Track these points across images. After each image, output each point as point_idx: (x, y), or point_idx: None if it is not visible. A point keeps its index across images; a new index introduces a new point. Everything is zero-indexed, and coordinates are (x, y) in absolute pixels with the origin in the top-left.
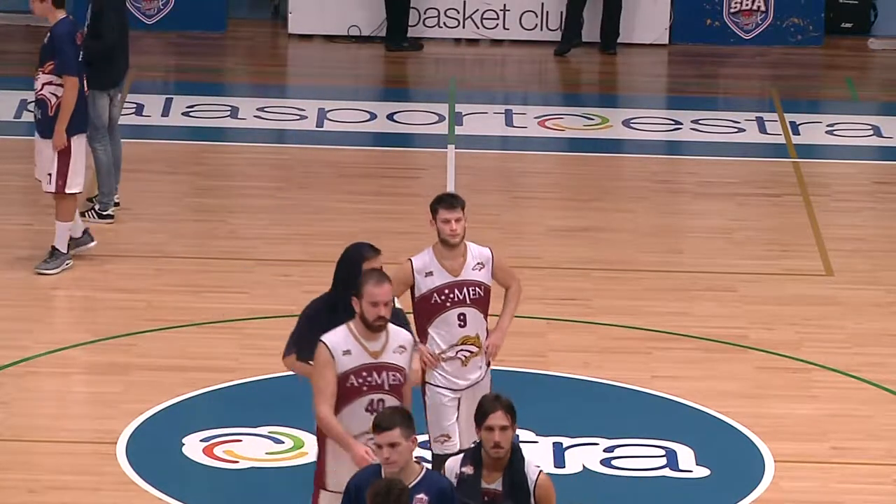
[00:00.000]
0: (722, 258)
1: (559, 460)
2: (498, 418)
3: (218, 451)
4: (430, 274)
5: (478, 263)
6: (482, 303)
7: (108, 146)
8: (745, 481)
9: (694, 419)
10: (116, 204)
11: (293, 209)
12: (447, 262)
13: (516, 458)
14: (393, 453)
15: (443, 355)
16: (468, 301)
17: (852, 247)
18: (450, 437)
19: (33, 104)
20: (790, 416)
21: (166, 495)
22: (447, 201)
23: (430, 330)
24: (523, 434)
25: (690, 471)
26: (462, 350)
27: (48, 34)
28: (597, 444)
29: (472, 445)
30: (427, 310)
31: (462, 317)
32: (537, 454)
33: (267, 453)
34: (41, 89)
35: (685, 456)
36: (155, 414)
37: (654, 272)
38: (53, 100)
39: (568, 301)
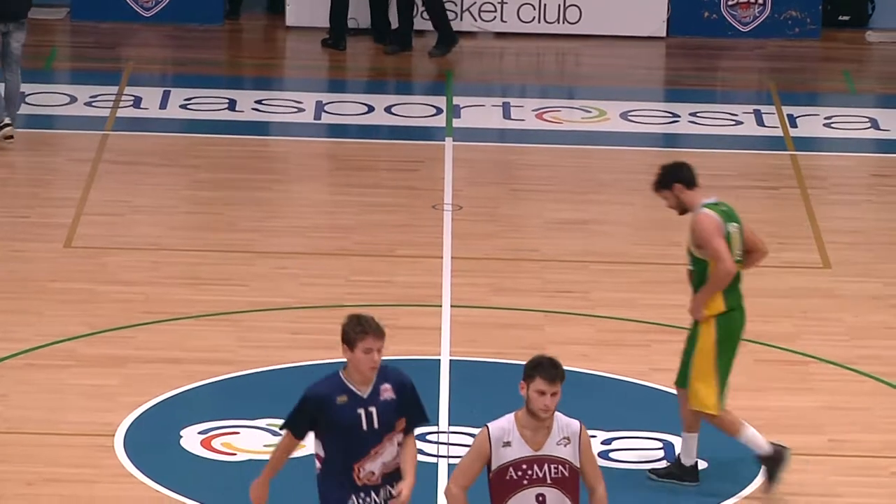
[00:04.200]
0: None
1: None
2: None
3: (216, 443)
4: (507, 444)
5: (563, 438)
6: (566, 484)
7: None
8: (742, 474)
9: None
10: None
11: (291, 202)
12: (529, 432)
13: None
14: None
15: None
16: (549, 480)
17: (850, 239)
18: None
19: None
20: (787, 409)
21: (164, 488)
22: (548, 372)
23: None
24: None
25: None
26: None
27: None
28: (594, 436)
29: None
30: (501, 487)
31: (541, 498)
32: None
33: (265, 445)
34: None
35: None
36: (153, 406)
37: (652, 265)
38: None
39: (566, 293)
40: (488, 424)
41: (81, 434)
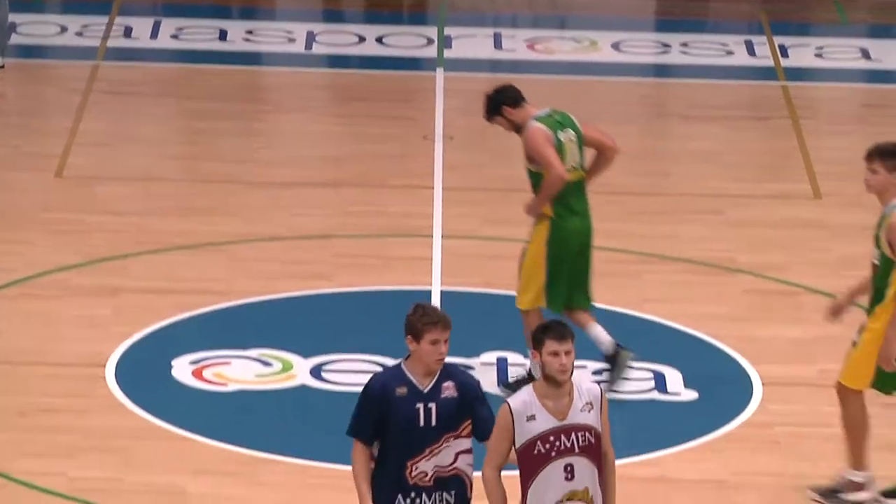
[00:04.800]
0: (710, 181)
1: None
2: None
3: (207, 373)
4: (532, 418)
5: (587, 404)
6: (592, 451)
7: None
8: (732, 404)
9: (682, 342)
10: None
11: (282, 132)
12: (551, 402)
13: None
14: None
15: None
16: (577, 449)
17: (841, 170)
18: None
19: None
20: (778, 339)
21: (155, 417)
22: (556, 331)
23: (530, 487)
24: (511, 356)
25: (679, 393)
26: None
27: None
28: (585, 366)
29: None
30: (529, 462)
31: (569, 468)
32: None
33: (256, 376)
34: None
35: (673, 379)
36: (144, 337)
37: (642, 195)
38: None
39: None
40: (508, 400)
41: (73, 364)
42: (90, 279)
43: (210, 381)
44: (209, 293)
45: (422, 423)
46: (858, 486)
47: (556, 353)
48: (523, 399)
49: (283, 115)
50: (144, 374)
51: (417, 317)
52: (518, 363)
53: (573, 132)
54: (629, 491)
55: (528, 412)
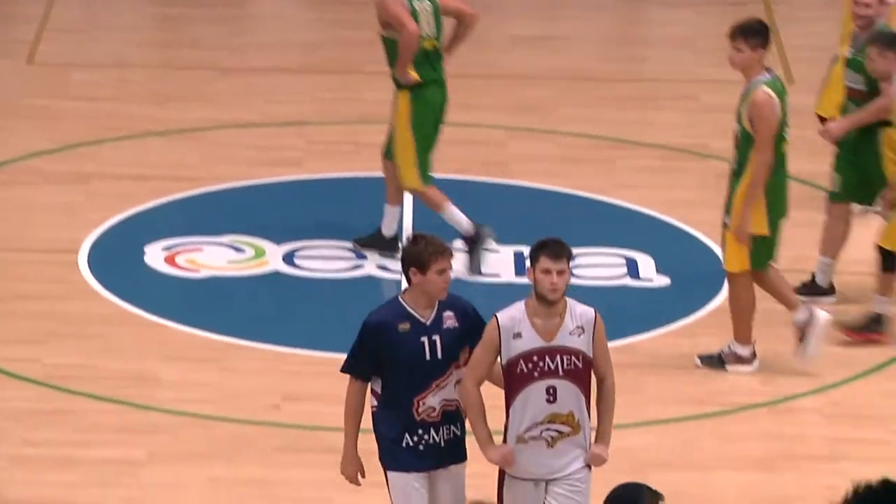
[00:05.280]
0: (684, 66)
1: (520, 268)
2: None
3: (179, 259)
4: (518, 336)
5: (577, 327)
6: (578, 375)
7: None
8: (704, 290)
9: (654, 228)
10: None
11: (256, 18)
12: (540, 321)
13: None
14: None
15: (525, 435)
16: (560, 372)
17: (813, 55)
18: None
19: None
20: None
21: (128, 303)
22: (551, 248)
23: (512, 405)
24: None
25: (651, 279)
26: (548, 430)
27: None
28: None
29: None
30: (512, 380)
31: (552, 390)
32: (498, 263)
33: (228, 262)
34: None
35: (646, 265)
36: (117, 223)
37: (616, 81)
38: None
39: (530, 110)
40: (497, 314)
41: (46, 251)
42: (63, 165)
43: (182, 268)
44: (182, 179)
45: (428, 356)
46: (741, 359)
47: (547, 272)
48: (512, 315)
49: (257, 1)
50: (117, 261)
51: (422, 247)
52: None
53: (429, 3)
54: None
55: (515, 329)
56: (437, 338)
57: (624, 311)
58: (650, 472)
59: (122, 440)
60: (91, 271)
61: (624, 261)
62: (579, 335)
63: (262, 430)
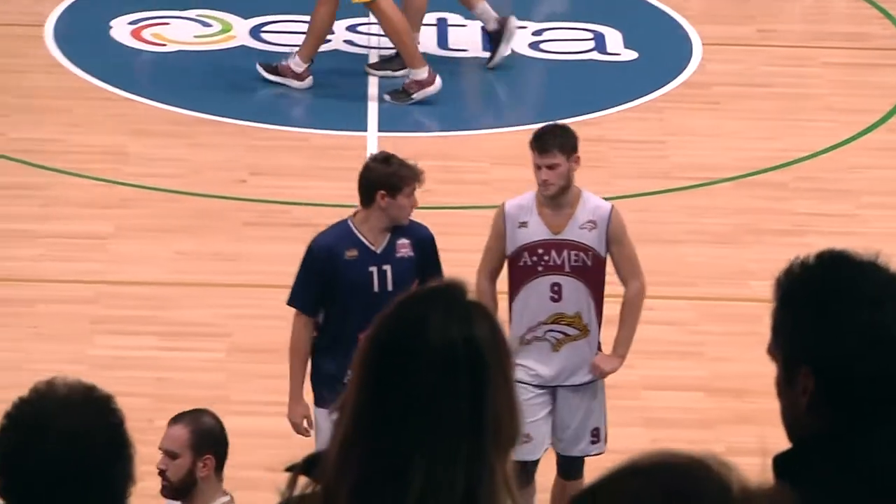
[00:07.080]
0: None
1: (485, 46)
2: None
3: (146, 34)
4: (524, 225)
5: (588, 222)
6: (586, 273)
7: None
8: (672, 64)
9: (621, 2)
10: None
11: None
12: (549, 211)
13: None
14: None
15: (527, 335)
16: (567, 268)
17: None
18: (530, 438)
19: None
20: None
21: (94, 77)
22: (538, 141)
23: (514, 302)
24: (451, 18)
25: (619, 53)
26: (552, 331)
27: None
28: (525, 27)
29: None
30: (515, 272)
31: (556, 287)
32: (467, 34)
33: (195, 36)
34: None
35: (613, 39)
36: None
37: None
38: None
39: None
40: (505, 201)
41: (11, 24)
42: None
43: (149, 42)
44: None
45: (376, 288)
46: (422, 84)
47: (538, 167)
48: (520, 203)
49: None
50: (83, 35)
51: (395, 168)
52: (459, 24)
53: None
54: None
55: (521, 217)
56: (387, 268)
57: (591, 85)
58: None
59: (89, 214)
60: (57, 45)
61: (591, 35)
62: (590, 230)
63: (230, 204)
